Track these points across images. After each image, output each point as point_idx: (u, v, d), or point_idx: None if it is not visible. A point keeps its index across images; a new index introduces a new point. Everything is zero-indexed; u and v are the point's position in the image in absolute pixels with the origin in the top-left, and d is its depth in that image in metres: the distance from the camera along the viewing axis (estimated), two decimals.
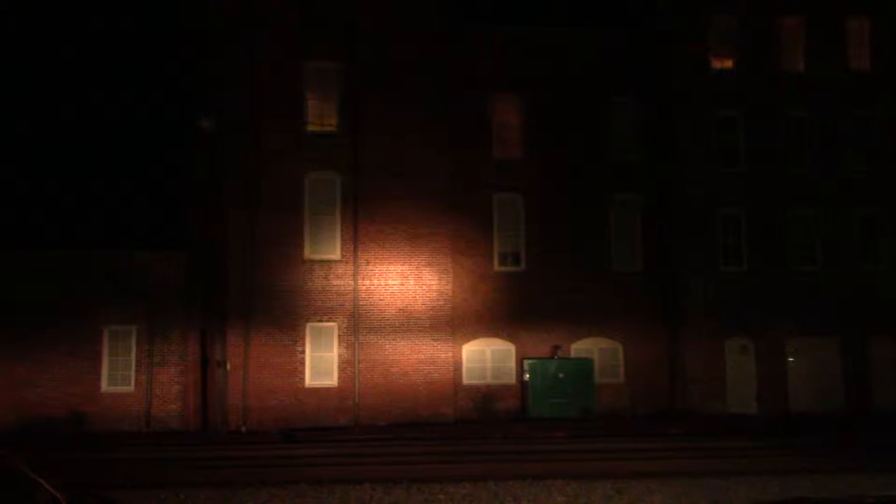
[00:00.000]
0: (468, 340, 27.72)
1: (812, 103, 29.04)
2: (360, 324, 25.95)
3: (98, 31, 29.71)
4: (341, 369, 25.79)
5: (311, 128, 26.64)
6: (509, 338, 27.94)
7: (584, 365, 27.43)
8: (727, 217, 28.48)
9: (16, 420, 24.00)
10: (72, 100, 29.41)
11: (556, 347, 27.85)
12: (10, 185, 28.55)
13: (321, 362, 25.80)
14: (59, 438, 22.50)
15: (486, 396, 27.28)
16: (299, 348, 25.70)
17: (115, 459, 18.12)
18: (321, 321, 25.93)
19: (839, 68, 29.36)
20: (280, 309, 25.67)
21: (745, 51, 29.04)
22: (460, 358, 27.49)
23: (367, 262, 26.28)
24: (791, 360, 28.10)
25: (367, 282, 26.20)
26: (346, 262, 26.24)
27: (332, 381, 25.74)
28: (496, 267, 28.30)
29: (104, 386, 25.16)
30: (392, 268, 26.40)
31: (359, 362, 25.76)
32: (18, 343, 24.84)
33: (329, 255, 26.28)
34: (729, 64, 29.23)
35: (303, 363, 25.64)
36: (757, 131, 28.79)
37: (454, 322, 26.84)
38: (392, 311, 26.21)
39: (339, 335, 25.92)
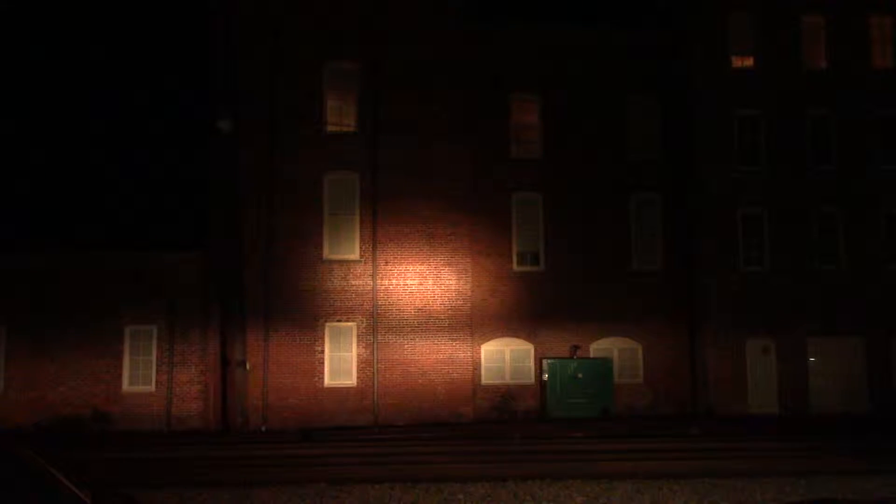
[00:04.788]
0: (487, 340, 27.68)
1: (834, 102, 28.76)
2: (378, 324, 25.99)
3: (121, 32, 29.96)
4: (360, 369, 25.85)
5: (330, 128, 26.73)
6: (528, 338, 27.87)
7: (604, 365, 27.30)
8: (749, 216, 28.26)
9: (39, 419, 24.21)
10: (94, 100, 29.65)
11: (576, 347, 27.75)
12: (35, 187, 28.83)
13: (340, 362, 25.87)
14: (82, 437, 22.68)
15: (505, 396, 27.23)
16: (318, 348, 25.78)
17: (137, 458, 18.22)
18: (340, 321, 25.99)
19: (862, 67, 29.06)
20: (299, 309, 25.77)
21: (766, 49, 28.81)
22: (479, 358, 27.46)
23: (386, 262, 26.32)
24: (813, 360, 27.83)
25: (386, 282, 26.24)
26: (365, 262, 26.29)
27: (350, 380, 25.80)
28: (515, 267, 28.23)
29: (125, 385, 25.32)
30: (411, 268, 26.42)
31: (377, 362, 25.79)
32: (43, 343, 25.07)
33: (348, 255, 26.34)
34: (750, 63, 29.00)
35: (322, 363, 25.72)
36: (779, 130, 28.55)
37: (473, 322, 26.81)
38: (411, 311, 26.22)
39: (358, 335, 25.98)
